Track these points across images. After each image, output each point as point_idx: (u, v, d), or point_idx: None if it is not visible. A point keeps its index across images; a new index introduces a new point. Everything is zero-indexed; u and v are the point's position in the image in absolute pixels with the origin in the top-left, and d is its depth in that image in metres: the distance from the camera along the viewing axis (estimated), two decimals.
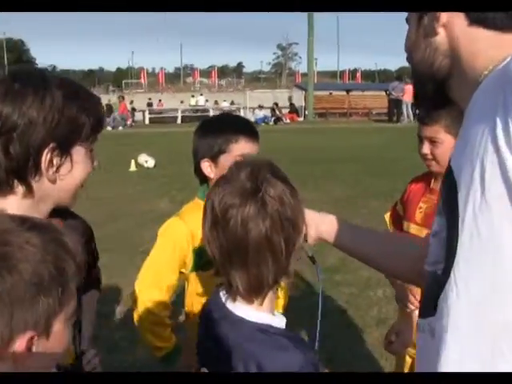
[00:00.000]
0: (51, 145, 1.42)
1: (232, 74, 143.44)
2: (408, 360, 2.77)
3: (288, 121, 30.84)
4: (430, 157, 2.56)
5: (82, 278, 1.11)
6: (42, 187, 1.47)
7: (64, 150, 1.46)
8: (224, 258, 1.37)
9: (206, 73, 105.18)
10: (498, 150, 0.94)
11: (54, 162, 1.45)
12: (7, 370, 1.00)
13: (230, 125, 2.39)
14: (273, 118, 30.42)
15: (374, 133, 22.32)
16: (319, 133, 23.24)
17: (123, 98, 31.62)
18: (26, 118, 1.38)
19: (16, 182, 1.43)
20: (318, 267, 1.65)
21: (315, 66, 49.05)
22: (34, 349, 1.01)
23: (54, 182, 1.47)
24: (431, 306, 1.09)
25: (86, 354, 1.77)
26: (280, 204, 1.36)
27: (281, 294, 2.47)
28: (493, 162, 0.95)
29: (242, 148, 2.29)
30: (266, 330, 1.38)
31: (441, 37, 1.18)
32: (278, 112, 30.90)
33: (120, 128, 27.89)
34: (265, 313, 1.43)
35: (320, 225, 1.66)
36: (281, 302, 2.52)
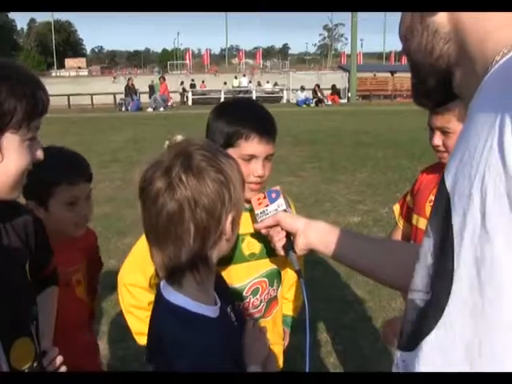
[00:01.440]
0: None
1: (277, 55, 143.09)
2: None
3: (330, 103, 30.49)
4: (442, 148, 2.29)
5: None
6: None
7: None
8: (147, 236, 1.41)
9: (251, 54, 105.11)
10: (505, 166, 0.70)
11: None
12: None
13: (247, 117, 2.07)
14: (314, 100, 30.10)
15: (417, 115, 21.85)
16: (361, 115, 22.91)
17: (164, 78, 31.70)
18: None
19: None
20: (302, 283, 1.65)
21: (361, 48, 48.46)
22: None
23: None
24: (410, 339, 0.89)
25: (48, 353, 1.66)
26: (191, 191, 1.32)
27: (290, 295, 2.36)
28: (496, 182, 0.72)
29: (252, 148, 2.00)
30: (176, 311, 1.38)
31: (440, 16, 0.96)
32: (319, 94, 30.55)
33: (161, 109, 28.00)
34: (182, 295, 1.39)
35: (309, 233, 1.58)
36: (290, 305, 2.36)
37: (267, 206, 1.74)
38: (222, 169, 1.36)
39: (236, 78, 46.06)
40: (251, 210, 1.92)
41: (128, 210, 8.14)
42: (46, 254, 1.81)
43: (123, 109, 28.38)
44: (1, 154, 1.36)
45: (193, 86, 38.21)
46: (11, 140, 1.37)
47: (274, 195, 1.76)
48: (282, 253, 1.68)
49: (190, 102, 32.71)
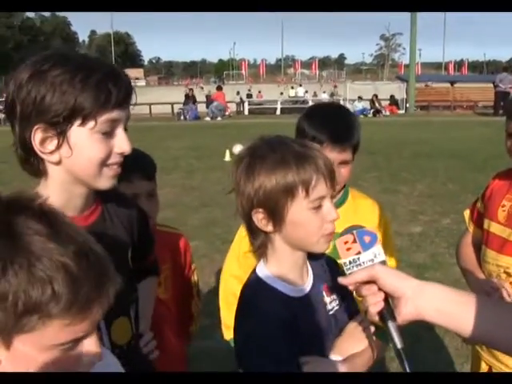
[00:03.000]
0: (36, 127, 1.38)
1: (333, 65, 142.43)
2: (484, 367, 2.54)
3: (387, 113, 30.18)
4: None
5: (76, 312, 0.97)
6: (52, 170, 1.46)
7: (57, 131, 1.40)
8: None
9: (307, 64, 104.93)
10: None
11: (47, 144, 1.40)
12: None
13: (325, 123, 2.20)
14: (372, 110, 29.86)
15: (478, 127, 21.44)
16: (419, 126, 22.60)
17: (221, 88, 32.04)
18: (12, 101, 1.39)
19: (33, 160, 1.44)
20: (406, 365, 1.32)
21: (419, 57, 47.80)
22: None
23: (58, 163, 1.44)
24: None
25: (144, 336, 1.79)
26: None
27: None
28: None
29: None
30: (256, 279, 1.59)
31: None
32: (377, 104, 30.29)
33: (218, 118, 28.27)
34: (266, 268, 1.59)
35: (421, 301, 1.28)
36: None
37: (359, 253, 1.39)
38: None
39: (292, 88, 46.13)
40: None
41: (190, 215, 8.31)
42: (148, 245, 1.89)
43: (182, 118, 28.78)
44: (69, 148, 1.40)
45: (249, 95, 38.46)
46: (79, 134, 1.40)
47: (367, 239, 1.40)
48: (376, 319, 1.37)
49: (246, 112, 32.90)
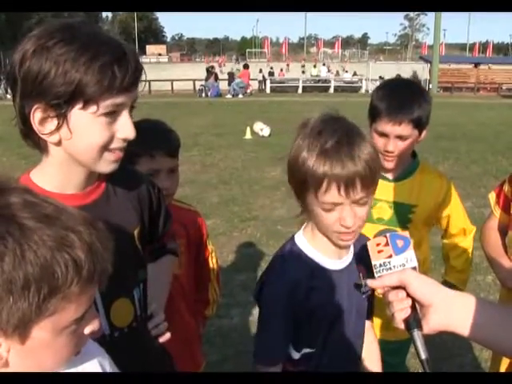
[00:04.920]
0: (36, 106, 1.33)
1: (356, 44, 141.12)
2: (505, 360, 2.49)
3: None
4: None
5: (94, 283, 0.98)
6: (52, 149, 1.41)
7: (57, 112, 1.33)
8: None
9: (329, 43, 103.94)
10: None
11: (47, 124, 1.35)
12: None
13: (387, 95, 2.37)
14: None
15: (501, 109, 21.16)
16: (442, 107, 22.31)
17: (248, 66, 31.94)
18: (13, 74, 1.35)
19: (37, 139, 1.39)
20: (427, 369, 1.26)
21: (443, 38, 47.14)
22: (2, 348, 0.94)
23: (58, 144, 1.38)
24: None
25: (154, 317, 1.72)
26: None
27: None
28: None
29: (382, 126, 2.32)
30: (291, 241, 1.75)
31: None
32: None
33: (240, 96, 28.19)
34: (302, 235, 1.73)
35: (451, 312, 1.22)
36: None
37: (390, 256, 1.35)
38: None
39: (315, 66, 45.82)
40: (384, 179, 2.11)
41: (208, 192, 8.30)
42: (164, 223, 1.83)
43: (203, 95, 28.74)
44: (69, 130, 1.35)
45: (271, 73, 38.26)
46: (79, 117, 1.34)
47: (400, 243, 1.36)
48: (401, 326, 1.29)
49: (268, 90, 32.74)
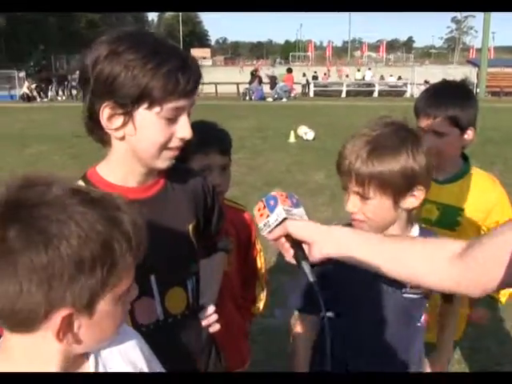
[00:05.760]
0: (106, 103, 1.44)
1: (401, 48, 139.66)
2: None
3: None
4: None
5: (139, 255, 1.06)
6: (114, 141, 1.52)
7: (123, 109, 1.44)
8: None
9: (374, 47, 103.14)
10: None
11: (114, 121, 1.46)
12: (51, 344, 1.01)
13: (428, 91, 2.52)
14: None
15: None
16: (490, 112, 21.98)
17: (291, 70, 32.01)
18: (86, 73, 1.45)
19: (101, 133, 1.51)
20: (319, 298, 1.47)
21: (492, 41, 46.30)
22: (75, 326, 1.00)
23: (122, 139, 1.49)
24: None
25: (206, 309, 1.82)
26: None
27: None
28: None
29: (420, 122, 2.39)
30: None
31: None
32: None
33: (284, 99, 28.28)
34: None
35: (324, 244, 1.46)
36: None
37: (268, 217, 1.54)
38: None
39: (359, 70, 45.57)
40: (434, 180, 2.09)
41: (254, 194, 8.34)
42: (217, 221, 1.91)
43: (247, 98, 28.90)
44: (134, 128, 1.47)
45: (315, 77, 38.18)
46: (144, 116, 1.45)
47: (272, 202, 1.55)
48: (293, 262, 1.54)
49: (311, 94, 32.73)
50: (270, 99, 28.51)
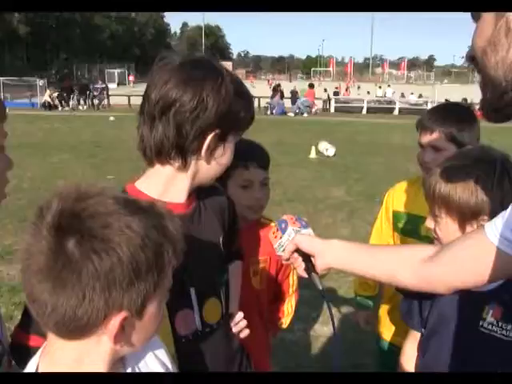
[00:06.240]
0: (216, 131, 1.54)
1: (422, 66, 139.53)
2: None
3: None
4: None
5: (179, 261, 1.12)
6: (197, 165, 1.60)
7: (222, 137, 1.58)
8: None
9: (395, 64, 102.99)
10: None
11: (211, 146, 1.57)
12: (103, 347, 1.05)
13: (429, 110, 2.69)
14: None
15: None
16: (500, 133, 21.86)
17: (313, 86, 32.10)
18: (203, 105, 1.51)
19: (176, 156, 1.56)
20: (329, 305, 1.68)
21: None
22: (127, 329, 1.05)
23: (208, 162, 1.60)
24: None
25: (235, 316, 1.90)
26: None
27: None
28: None
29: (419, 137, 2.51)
30: None
31: None
32: None
33: (305, 115, 28.33)
34: None
35: (326, 254, 1.62)
36: None
37: (281, 238, 1.76)
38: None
39: (380, 87, 45.55)
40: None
41: (274, 209, 8.32)
42: (234, 232, 1.99)
43: (268, 112, 28.99)
44: (223, 150, 1.61)
45: (336, 93, 38.24)
46: (231, 142, 1.63)
47: (283, 225, 1.76)
48: (304, 275, 1.71)
49: (332, 110, 32.74)
50: (291, 114, 28.60)
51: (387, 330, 2.79)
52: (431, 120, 2.45)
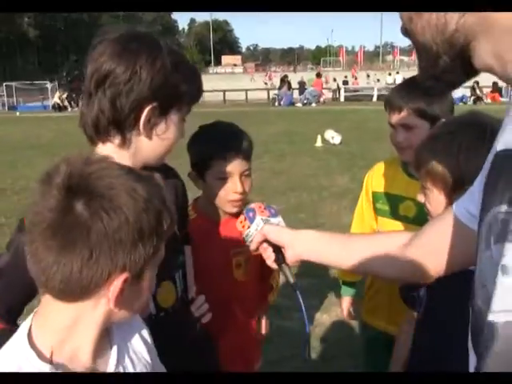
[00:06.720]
0: (152, 104, 1.51)
1: None
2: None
3: (489, 101, 28.94)
4: None
5: (173, 231, 1.15)
6: (138, 142, 1.56)
7: (162, 112, 1.54)
8: None
9: (406, 51, 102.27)
10: None
11: (152, 120, 1.53)
12: (99, 310, 1.07)
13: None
14: (472, 98, 28.73)
15: None
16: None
17: (320, 75, 31.96)
18: (137, 76, 1.47)
19: (114, 131, 1.53)
20: (299, 296, 1.60)
21: None
22: (125, 291, 1.05)
23: (149, 138, 1.56)
24: None
25: (196, 300, 1.86)
26: None
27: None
28: None
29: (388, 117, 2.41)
30: None
31: None
32: (478, 91, 29.10)
33: (313, 104, 28.24)
34: None
35: (296, 246, 1.56)
36: None
37: (249, 227, 1.69)
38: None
39: (390, 74, 45.28)
40: (412, 177, 2.20)
41: (277, 198, 8.33)
42: (185, 216, 1.97)
43: (276, 103, 28.94)
44: (166, 125, 1.56)
45: (345, 82, 38.06)
46: (174, 118, 1.58)
47: (251, 214, 1.69)
48: (274, 266, 1.65)
49: (342, 99, 32.57)
50: (299, 104, 28.51)
51: (371, 316, 2.71)
52: (397, 97, 2.32)
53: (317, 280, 5.29)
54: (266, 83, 45.84)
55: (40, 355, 1.05)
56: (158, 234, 1.06)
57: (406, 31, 1.00)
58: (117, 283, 1.03)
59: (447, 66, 0.95)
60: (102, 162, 1.06)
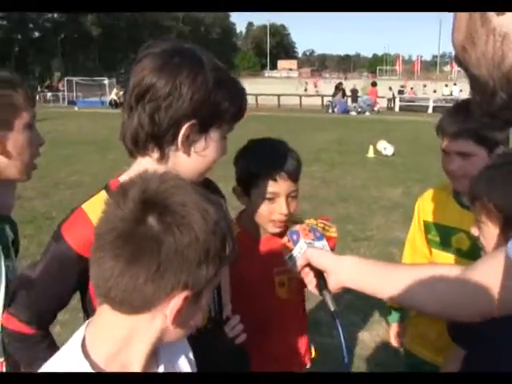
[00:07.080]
0: (192, 121, 1.48)
1: None
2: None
3: None
4: None
5: (234, 258, 1.13)
6: (176, 157, 1.54)
7: (202, 129, 1.51)
8: None
9: None
10: None
11: (190, 137, 1.51)
12: (155, 326, 1.07)
13: None
14: None
15: None
16: None
17: (376, 84, 31.62)
18: (177, 92, 1.45)
19: (153, 146, 1.52)
20: (338, 326, 1.51)
21: None
22: (183, 310, 1.05)
23: (188, 155, 1.54)
24: None
25: (230, 321, 1.81)
26: None
27: None
28: None
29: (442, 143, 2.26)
30: None
31: (509, 16, 0.79)
32: None
33: (367, 113, 27.98)
34: None
35: (339, 272, 1.50)
36: None
37: (292, 250, 1.64)
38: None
39: (446, 86, 44.58)
40: (465, 208, 2.07)
41: (326, 208, 8.25)
42: None
43: (330, 110, 28.81)
44: (205, 143, 1.54)
45: (401, 92, 37.63)
46: (215, 135, 1.55)
47: (295, 237, 1.64)
48: (316, 292, 1.58)
49: (396, 108, 32.17)
50: (353, 113, 28.29)
51: (416, 344, 2.58)
52: (452, 122, 2.14)
53: (360, 296, 5.21)
54: (305, 90, 45.78)
55: (94, 365, 1.06)
56: (220, 258, 1.07)
57: (459, 61, 0.92)
58: (177, 300, 1.03)
59: (504, 103, 0.87)
60: (176, 180, 1.08)
